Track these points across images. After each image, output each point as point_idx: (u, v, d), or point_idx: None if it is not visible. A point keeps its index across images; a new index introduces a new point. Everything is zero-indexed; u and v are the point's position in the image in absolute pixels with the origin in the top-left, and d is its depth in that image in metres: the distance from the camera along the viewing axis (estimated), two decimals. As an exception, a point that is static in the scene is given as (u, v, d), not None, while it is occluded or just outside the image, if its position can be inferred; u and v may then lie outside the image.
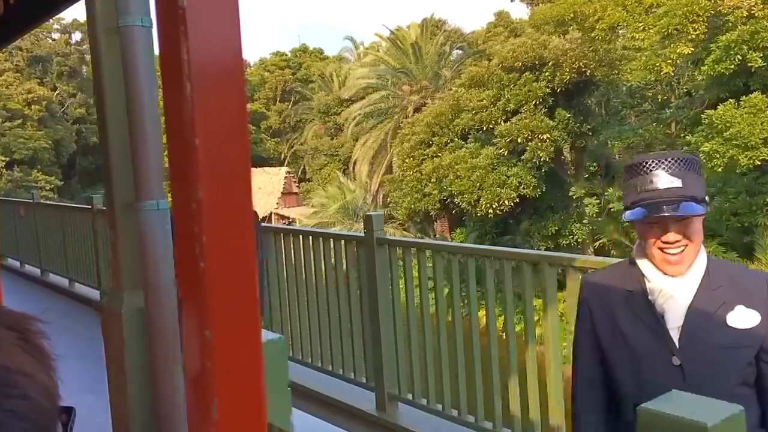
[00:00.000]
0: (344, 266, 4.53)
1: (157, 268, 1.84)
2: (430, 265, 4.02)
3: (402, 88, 36.65)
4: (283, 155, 55.23)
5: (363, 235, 4.31)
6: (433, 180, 23.30)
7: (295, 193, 50.98)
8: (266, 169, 52.55)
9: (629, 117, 22.73)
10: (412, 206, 25.02)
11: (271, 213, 49.90)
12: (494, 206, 21.63)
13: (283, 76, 56.75)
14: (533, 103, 21.38)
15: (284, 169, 50.95)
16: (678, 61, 18.80)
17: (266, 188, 51.09)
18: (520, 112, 21.59)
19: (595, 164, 23.14)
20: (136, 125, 1.89)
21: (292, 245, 4.95)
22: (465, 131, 24.53)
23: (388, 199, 30.49)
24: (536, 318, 4.09)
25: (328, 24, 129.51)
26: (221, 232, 0.94)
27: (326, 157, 44.35)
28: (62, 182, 47.33)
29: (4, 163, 43.71)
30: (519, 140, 21.27)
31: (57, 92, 58.36)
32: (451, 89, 34.17)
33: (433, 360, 4.06)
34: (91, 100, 61.23)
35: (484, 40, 36.07)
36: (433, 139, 24.71)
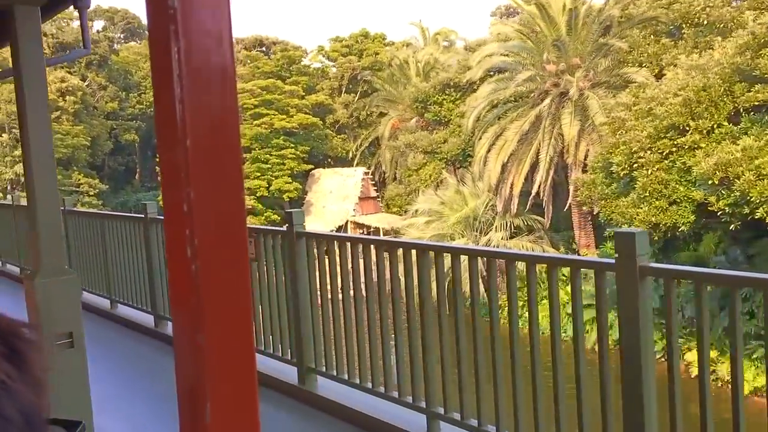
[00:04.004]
0: (272, 256, 5.17)
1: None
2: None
3: (544, 67, 29.40)
4: (351, 153, 47.80)
5: (285, 229, 4.96)
6: (714, 181, 16.04)
7: (374, 198, 43.52)
8: (338, 169, 44.99)
9: None
10: (652, 218, 17.77)
11: (347, 222, 42.42)
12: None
13: (350, 64, 49.20)
14: None
15: (361, 169, 43.44)
16: None
17: (339, 192, 43.47)
18: None
19: None
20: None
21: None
22: (737, 111, 17.31)
23: (583, 201, 23.34)
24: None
25: (374, 5, 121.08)
26: (213, 233, 0.90)
27: (424, 155, 36.90)
28: (107, 186, 39.94)
29: (41, 163, 36.15)
30: None
31: (87, 83, 51.13)
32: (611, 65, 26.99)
33: (343, 337, 4.65)
34: (123, 93, 54.00)
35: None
36: (691, 123, 17.45)
